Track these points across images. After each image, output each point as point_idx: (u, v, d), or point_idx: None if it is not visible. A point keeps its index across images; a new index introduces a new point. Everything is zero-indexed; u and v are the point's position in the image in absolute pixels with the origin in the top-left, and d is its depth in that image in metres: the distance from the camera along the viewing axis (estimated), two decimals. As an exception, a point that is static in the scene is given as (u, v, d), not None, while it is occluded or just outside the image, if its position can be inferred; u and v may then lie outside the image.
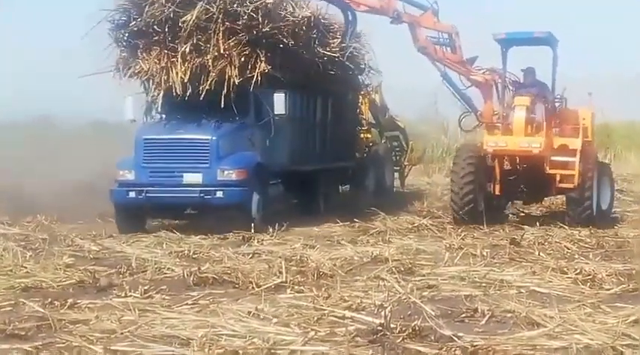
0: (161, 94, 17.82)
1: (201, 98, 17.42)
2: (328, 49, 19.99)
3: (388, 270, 12.56)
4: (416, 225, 18.39)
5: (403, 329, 8.95)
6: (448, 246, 15.38)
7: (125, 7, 18.01)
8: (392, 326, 8.98)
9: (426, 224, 18.32)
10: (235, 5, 17.46)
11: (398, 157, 27.04)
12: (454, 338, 8.63)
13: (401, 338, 8.73)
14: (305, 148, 20.78)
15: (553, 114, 19.35)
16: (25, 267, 12.83)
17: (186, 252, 14.50)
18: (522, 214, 20.73)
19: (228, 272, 12.52)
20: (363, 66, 22.37)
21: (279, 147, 19.15)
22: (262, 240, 15.97)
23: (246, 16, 17.41)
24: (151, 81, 18.01)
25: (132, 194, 17.25)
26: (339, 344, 8.55)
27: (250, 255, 14.30)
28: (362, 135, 25.54)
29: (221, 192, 17.04)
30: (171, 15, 17.52)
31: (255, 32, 17.56)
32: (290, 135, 19.79)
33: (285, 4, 18.52)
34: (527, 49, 20.46)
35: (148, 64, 17.76)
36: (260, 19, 17.52)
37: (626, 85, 51.63)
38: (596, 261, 13.83)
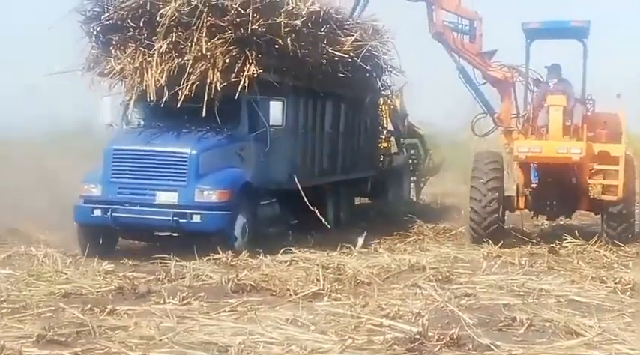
0: (132, 99, 15.45)
1: (178, 105, 15.03)
2: (339, 49, 17.55)
3: (425, 278, 12.74)
4: (453, 232, 18.10)
5: (441, 337, 9.09)
6: (486, 254, 15.31)
7: None
8: (429, 334, 9.15)
9: (463, 232, 17.66)
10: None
11: (415, 166, 25.39)
12: (492, 346, 8.84)
13: (439, 347, 8.89)
14: (310, 162, 18.66)
15: (586, 116, 17.10)
16: (65, 273, 13.04)
17: (223, 259, 14.10)
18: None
19: (266, 279, 12.59)
20: (383, 66, 19.80)
21: (277, 162, 16.94)
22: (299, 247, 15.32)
23: (233, 11, 14.99)
24: (123, 82, 15.66)
25: (97, 212, 15.15)
26: (376, 352, 8.80)
27: (288, 263, 14.22)
28: (381, 145, 23.94)
29: (198, 216, 14.83)
30: (148, 7, 15.16)
31: (242, 30, 15.12)
32: (291, 147, 17.62)
33: None
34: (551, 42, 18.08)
35: (120, 63, 15.38)
36: (250, 15, 15.06)
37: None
38: (636, 269, 13.80)
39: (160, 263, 13.92)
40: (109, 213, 14.99)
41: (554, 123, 16.53)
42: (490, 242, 16.10)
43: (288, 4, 15.93)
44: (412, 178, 25.16)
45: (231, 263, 13.99)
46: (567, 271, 13.94)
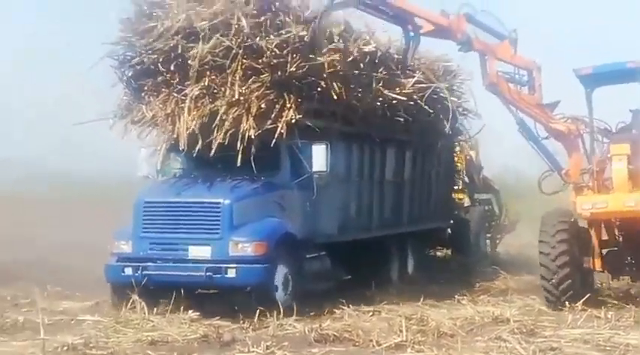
0: (163, 148, 14.58)
1: (211, 154, 14.14)
2: (399, 92, 16.50)
3: (510, 331, 12.68)
4: (537, 284, 16.56)
5: None
6: (571, 306, 14.86)
7: (129, 39, 14.80)
8: None
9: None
10: (258, 39, 14.10)
11: (489, 223, 24.33)
12: None
13: None
14: (368, 212, 17.64)
15: None
16: (152, 321, 13.27)
17: (307, 309, 14.13)
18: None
19: (349, 329, 12.68)
20: (454, 109, 18.55)
21: (326, 212, 15.94)
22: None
23: (269, 52, 14.04)
24: (155, 130, 14.84)
25: (128, 270, 14.41)
26: None
27: (371, 313, 14.45)
28: (456, 196, 23.23)
29: (234, 271, 13.91)
30: (180, 50, 14.31)
31: (280, 72, 14.19)
32: (342, 196, 16.66)
33: (334, 37, 15.08)
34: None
35: (152, 110, 14.56)
36: (288, 56, 14.11)
37: None
38: None
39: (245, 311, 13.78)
40: (139, 271, 14.21)
41: (619, 174, 15.20)
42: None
43: (333, 43, 14.93)
44: (487, 235, 24.12)
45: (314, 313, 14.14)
46: None
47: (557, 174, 16.49)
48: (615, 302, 15.73)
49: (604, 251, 15.97)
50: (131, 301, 14.01)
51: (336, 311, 14.31)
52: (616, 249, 15.97)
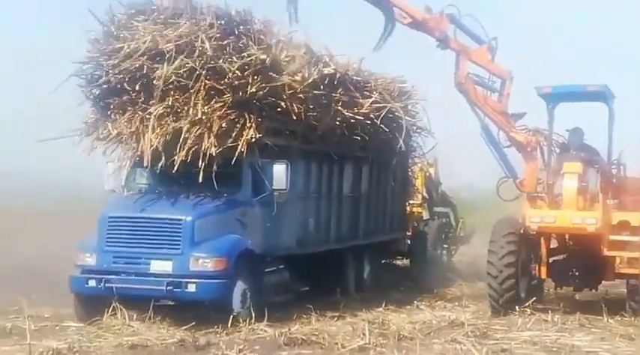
0: (127, 164, 15.05)
1: (174, 170, 14.62)
2: (356, 111, 17.11)
3: (464, 334, 13.71)
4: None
5: None
6: (521, 311, 15.82)
7: (97, 60, 15.24)
8: None
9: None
10: (220, 61, 14.59)
11: (446, 234, 25.37)
12: None
13: None
14: (325, 226, 18.23)
15: (609, 183, 16.51)
16: (132, 326, 13.97)
17: (277, 315, 14.89)
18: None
19: (316, 333, 13.69)
20: (408, 128, 19.11)
21: (285, 228, 16.49)
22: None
23: (231, 74, 14.54)
24: (120, 147, 15.26)
25: (91, 282, 14.79)
26: None
27: (336, 318, 15.39)
28: (414, 210, 24.18)
29: (194, 285, 14.35)
30: (145, 70, 14.75)
31: (241, 93, 14.65)
32: (301, 212, 17.18)
33: (294, 61, 15.58)
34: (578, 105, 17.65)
35: (118, 127, 14.99)
36: (250, 78, 14.61)
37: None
38: None
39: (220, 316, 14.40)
40: (102, 283, 14.61)
41: (569, 191, 15.89)
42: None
43: (292, 66, 15.46)
44: (444, 246, 25.12)
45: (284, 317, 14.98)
46: (598, 329, 14.72)
47: (513, 182, 17.18)
48: (561, 307, 16.57)
49: (552, 259, 16.75)
50: (111, 308, 14.47)
51: (304, 316, 15.16)
52: (563, 258, 16.76)
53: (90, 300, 14.91)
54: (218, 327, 13.95)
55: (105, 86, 15.27)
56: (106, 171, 16.08)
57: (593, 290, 17.54)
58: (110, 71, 15.07)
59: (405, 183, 22.40)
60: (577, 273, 16.71)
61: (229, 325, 13.97)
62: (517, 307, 15.84)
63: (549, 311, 15.73)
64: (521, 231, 16.32)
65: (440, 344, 13.17)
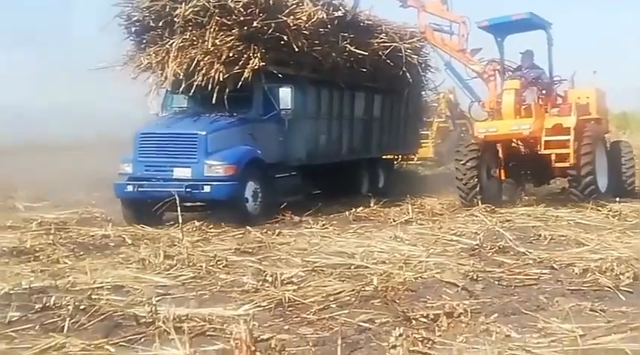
0: (153, 90, 17.93)
1: (190, 93, 17.39)
2: (365, 49, 19.75)
3: (479, 211, 17.26)
4: None
5: (492, 247, 12.73)
6: (518, 196, 19.89)
7: (131, 2, 18.17)
8: (484, 245, 12.81)
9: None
10: (230, 1, 17.21)
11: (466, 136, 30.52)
12: (526, 253, 12.20)
13: (491, 253, 12.38)
14: (337, 142, 21.17)
15: (550, 96, 18.90)
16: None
17: (344, 200, 19.78)
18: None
19: (374, 212, 18.12)
20: (419, 65, 22.50)
21: (295, 142, 19.16)
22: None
23: (237, 11, 17.12)
24: (151, 75, 18.10)
25: (129, 187, 17.35)
26: (450, 257, 12.06)
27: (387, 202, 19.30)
28: (441, 126, 34.39)
29: (208, 187, 16.74)
30: (167, 9, 17.55)
31: (247, 28, 17.23)
32: (312, 130, 19.89)
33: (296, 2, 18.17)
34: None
35: (148, 58, 17.83)
36: (254, 14, 17.21)
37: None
38: (621, 203, 17.65)
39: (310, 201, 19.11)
40: (136, 188, 17.18)
41: (506, 104, 18.36)
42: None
43: (300, 6, 18.02)
44: None
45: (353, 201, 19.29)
46: (574, 204, 17.76)
47: (479, 105, 19.78)
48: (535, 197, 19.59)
49: (511, 163, 19.29)
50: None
51: (364, 202, 19.15)
52: (515, 162, 19.34)
53: (132, 204, 17.47)
54: (309, 208, 17.88)
55: (139, 24, 18.12)
56: (148, 98, 18.99)
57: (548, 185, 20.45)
58: (142, 11, 17.94)
59: (417, 112, 25.42)
60: (528, 172, 19.58)
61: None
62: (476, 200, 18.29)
63: (537, 195, 20.10)
64: (484, 142, 18.78)
65: (462, 218, 16.62)
